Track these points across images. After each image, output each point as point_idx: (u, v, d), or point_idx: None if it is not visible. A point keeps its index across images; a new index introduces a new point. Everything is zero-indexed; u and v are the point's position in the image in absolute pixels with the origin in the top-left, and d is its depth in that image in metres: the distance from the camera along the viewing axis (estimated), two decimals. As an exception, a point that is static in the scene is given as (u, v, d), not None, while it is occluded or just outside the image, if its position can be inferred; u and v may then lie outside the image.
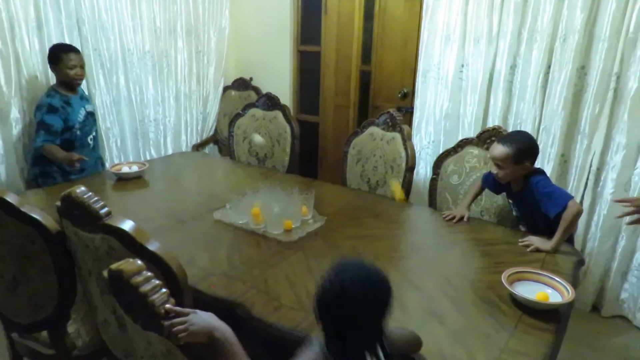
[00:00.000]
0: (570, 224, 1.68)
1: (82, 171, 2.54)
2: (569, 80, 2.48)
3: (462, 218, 1.99)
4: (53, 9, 2.67)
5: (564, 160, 2.63)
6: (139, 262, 0.85)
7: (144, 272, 0.83)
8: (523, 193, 1.89)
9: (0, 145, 2.53)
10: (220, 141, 4.03)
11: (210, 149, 4.04)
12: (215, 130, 4.00)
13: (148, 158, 3.39)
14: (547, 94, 2.59)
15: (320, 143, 3.87)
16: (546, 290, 1.39)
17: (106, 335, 1.49)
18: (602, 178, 2.52)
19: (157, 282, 0.82)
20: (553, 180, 2.62)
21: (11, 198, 1.38)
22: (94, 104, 2.91)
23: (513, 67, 2.68)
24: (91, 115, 2.66)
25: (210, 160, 3.31)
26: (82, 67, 2.54)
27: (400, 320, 1.28)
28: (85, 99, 2.67)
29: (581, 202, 2.60)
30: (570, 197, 1.74)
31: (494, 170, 1.88)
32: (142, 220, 1.89)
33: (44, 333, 1.64)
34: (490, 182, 2.04)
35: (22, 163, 2.64)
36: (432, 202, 2.39)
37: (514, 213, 2.05)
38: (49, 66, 2.52)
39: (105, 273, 0.90)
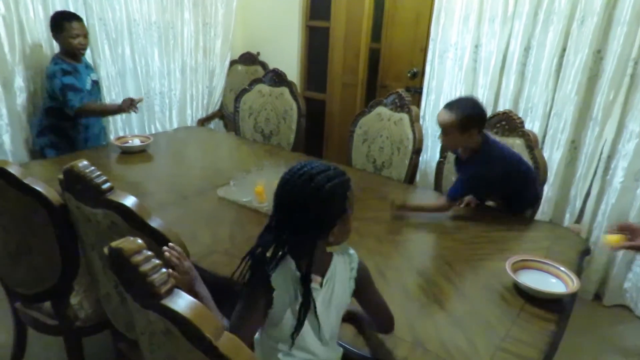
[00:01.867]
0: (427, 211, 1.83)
1: (86, 141, 2.53)
2: (584, 65, 2.41)
3: (468, 203, 1.96)
4: (57, -25, 2.61)
5: (574, 146, 2.58)
6: (139, 240, 0.83)
7: (144, 251, 0.82)
8: (467, 165, 1.86)
9: (5, 114, 2.51)
10: (226, 116, 3.99)
11: (216, 124, 4.01)
12: (221, 105, 3.96)
13: (153, 131, 3.37)
14: (561, 78, 2.53)
15: (327, 121, 3.83)
16: (550, 279, 1.38)
17: (108, 309, 1.50)
18: (612, 166, 2.48)
19: (158, 261, 0.81)
20: (562, 167, 2.60)
21: (14, 169, 1.37)
22: (99, 74, 2.87)
23: (527, 49, 2.61)
24: (96, 85, 2.64)
25: (215, 135, 3.28)
26: (86, 36, 2.50)
27: (401, 303, 1.28)
28: (90, 68, 2.64)
29: (589, 190, 2.57)
30: (450, 194, 1.82)
31: (439, 136, 1.86)
32: (145, 194, 1.89)
33: (47, 304, 1.66)
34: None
35: (27, 133, 2.62)
36: (438, 185, 2.37)
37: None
38: (51, 34, 2.47)
39: (105, 250, 0.89)
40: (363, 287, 1.07)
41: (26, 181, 1.38)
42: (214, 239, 1.57)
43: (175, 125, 3.54)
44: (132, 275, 0.81)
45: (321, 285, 1.03)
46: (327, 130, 3.84)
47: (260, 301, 1.02)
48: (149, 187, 1.98)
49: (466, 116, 1.73)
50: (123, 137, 2.51)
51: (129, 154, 2.37)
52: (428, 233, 1.73)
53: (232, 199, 1.87)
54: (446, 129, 1.77)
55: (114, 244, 0.84)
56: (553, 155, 2.62)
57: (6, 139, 2.54)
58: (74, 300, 1.67)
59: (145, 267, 0.80)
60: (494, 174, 1.77)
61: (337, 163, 2.48)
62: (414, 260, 1.51)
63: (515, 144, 2.12)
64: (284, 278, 1.01)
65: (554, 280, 1.38)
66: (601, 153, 2.49)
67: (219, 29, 3.68)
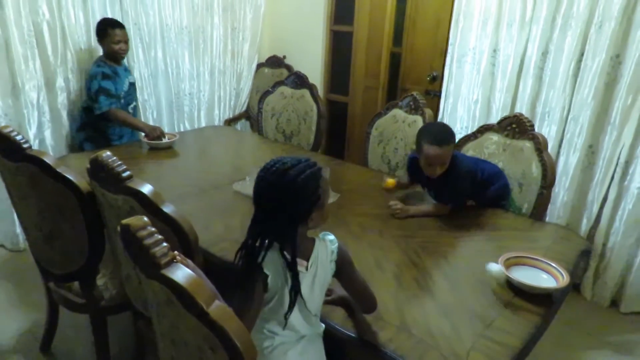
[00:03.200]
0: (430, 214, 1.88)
1: (121, 138, 2.73)
2: (602, 69, 2.41)
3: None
4: (97, -18, 2.82)
5: (592, 151, 2.57)
6: (145, 218, 0.95)
7: (149, 227, 0.93)
8: (445, 175, 1.88)
9: (47, 112, 2.73)
10: (252, 117, 4.14)
11: (242, 124, 4.17)
12: (248, 106, 4.12)
13: (182, 130, 3.55)
14: (578, 82, 2.53)
15: (348, 123, 3.92)
16: (542, 275, 1.42)
17: (129, 289, 1.64)
18: (630, 171, 2.46)
19: (160, 236, 0.93)
20: (578, 172, 2.60)
21: (49, 159, 1.53)
22: (134, 76, 3.08)
23: (545, 54, 2.63)
24: (132, 86, 2.86)
25: (238, 134, 3.43)
26: (126, 42, 2.72)
27: (393, 292, 1.36)
28: (128, 71, 2.85)
29: (606, 196, 2.55)
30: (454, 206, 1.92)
31: (432, 171, 1.86)
32: (167, 187, 2.03)
33: (76, 284, 1.82)
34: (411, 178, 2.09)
35: (66, 129, 2.84)
36: (449, 186, 2.41)
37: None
38: (96, 39, 2.69)
39: (118, 227, 1.02)
40: (343, 268, 1.17)
41: (59, 170, 1.53)
42: (226, 228, 1.69)
43: (203, 125, 3.72)
44: (138, 248, 0.93)
45: (307, 268, 1.12)
46: (349, 132, 3.93)
47: (257, 287, 1.11)
48: (172, 180, 2.12)
49: (454, 139, 1.89)
50: (151, 133, 2.69)
51: (157, 149, 2.54)
52: (429, 230, 1.79)
53: (246, 193, 1.98)
54: (444, 161, 1.84)
55: (124, 221, 0.96)
56: (570, 159, 2.61)
57: (47, 134, 2.76)
58: (100, 281, 1.83)
59: (148, 241, 0.91)
60: (470, 174, 1.91)
61: (356, 164, 2.62)
62: (411, 254, 1.58)
63: (525, 147, 2.15)
64: (273, 263, 1.11)
65: (545, 276, 1.42)
66: (619, 158, 2.47)
67: (247, 33, 3.84)
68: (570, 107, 2.59)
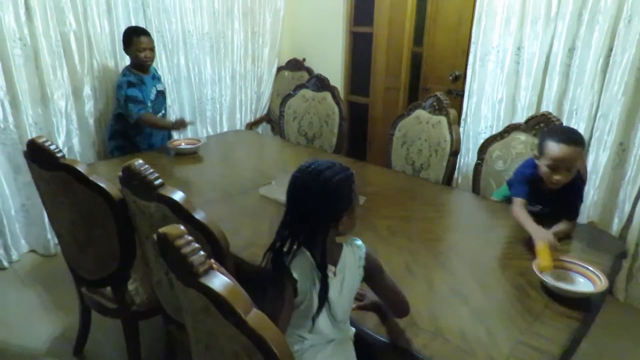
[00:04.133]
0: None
1: (150, 147, 2.77)
2: (632, 65, 2.35)
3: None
4: (121, -8, 2.87)
5: (622, 149, 2.51)
6: (182, 227, 0.96)
7: (186, 236, 0.94)
8: (563, 189, 1.68)
9: (75, 120, 2.80)
10: (273, 120, 4.16)
11: (264, 127, 4.20)
12: (269, 109, 4.14)
13: (205, 135, 3.59)
14: (607, 79, 2.47)
15: (370, 125, 3.90)
16: (579, 279, 1.39)
17: (160, 294, 1.66)
18: (660, 169, 2.39)
19: (197, 245, 0.94)
20: (609, 170, 2.53)
21: (81, 167, 1.56)
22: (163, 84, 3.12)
23: (571, 50, 2.57)
24: (161, 94, 2.88)
25: (261, 138, 3.44)
26: (152, 49, 2.74)
27: (425, 297, 1.35)
28: (156, 79, 2.88)
29: (639, 194, 2.48)
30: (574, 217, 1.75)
31: (558, 177, 1.62)
32: (195, 192, 2.06)
33: (108, 289, 1.85)
34: (528, 189, 1.75)
35: (94, 136, 2.89)
36: (476, 187, 2.38)
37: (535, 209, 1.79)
38: (122, 47, 2.73)
39: (154, 236, 1.03)
40: (372, 274, 1.16)
41: (91, 178, 1.56)
42: (254, 233, 1.70)
43: (225, 129, 3.75)
44: (175, 257, 0.94)
45: (335, 274, 1.12)
46: (370, 133, 3.92)
47: (287, 291, 1.12)
48: (199, 186, 2.14)
49: (585, 147, 1.68)
50: (177, 140, 2.72)
51: (182, 155, 2.57)
52: (458, 232, 1.77)
53: (273, 197, 1.99)
54: (572, 165, 1.62)
55: (161, 230, 0.97)
56: (599, 157, 2.55)
57: (75, 141, 2.82)
58: (131, 286, 1.86)
59: (186, 250, 0.92)
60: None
61: (379, 165, 2.61)
62: (441, 257, 1.56)
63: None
64: (302, 268, 1.11)
65: (582, 279, 1.39)
66: (649, 155, 2.40)
67: (267, 37, 3.86)
68: (599, 104, 2.53)
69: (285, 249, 1.12)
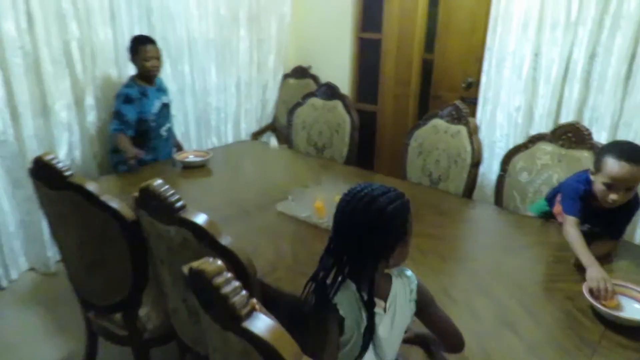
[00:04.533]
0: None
1: (155, 160, 2.64)
2: (658, 71, 2.28)
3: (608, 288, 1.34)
4: (125, -2, 2.76)
5: (647, 158, 2.43)
6: (219, 262, 0.86)
7: (225, 273, 0.83)
8: (617, 209, 1.57)
9: (76, 131, 2.67)
10: (278, 129, 4.06)
11: (268, 136, 4.09)
12: (274, 118, 4.04)
13: (210, 145, 3.48)
14: (631, 85, 2.40)
15: (378, 133, 3.81)
16: (634, 305, 1.29)
17: (176, 322, 1.55)
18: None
19: (238, 283, 0.83)
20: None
21: (92, 187, 1.45)
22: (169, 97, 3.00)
23: (592, 57, 2.50)
24: (166, 107, 2.74)
25: (269, 149, 3.34)
26: (158, 58, 2.61)
27: (471, 327, 1.24)
28: (162, 91, 2.74)
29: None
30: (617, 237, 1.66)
31: (614, 196, 1.49)
32: (208, 209, 1.91)
33: (118, 315, 1.73)
34: (581, 207, 1.62)
35: (96, 148, 2.77)
36: (499, 200, 2.29)
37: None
38: (129, 56, 2.61)
39: (185, 270, 0.92)
40: (424, 307, 1.07)
41: (102, 198, 1.45)
42: (277, 255, 1.59)
43: (230, 139, 3.64)
44: (213, 297, 0.83)
45: (385, 310, 1.01)
46: (379, 142, 3.82)
47: (331, 328, 1.00)
48: (211, 202, 2.03)
49: None
50: (184, 152, 2.61)
51: (190, 168, 2.46)
52: (493, 251, 1.67)
53: (292, 214, 1.89)
54: (634, 184, 1.51)
55: (194, 265, 0.86)
56: (623, 167, 2.47)
57: (77, 154, 2.70)
58: (142, 311, 1.74)
59: (226, 290, 0.81)
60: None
61: (389, 175, 2.51)
62: (479, 279, 1.46)
63: (583, 157, 2.02)
64: (348, 302, 1.00)
65: (638, 306, 1.29)
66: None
67: (272, 44, 3.76)
68: (622, 112, 2.45)
69: (328, 281, 1.01)
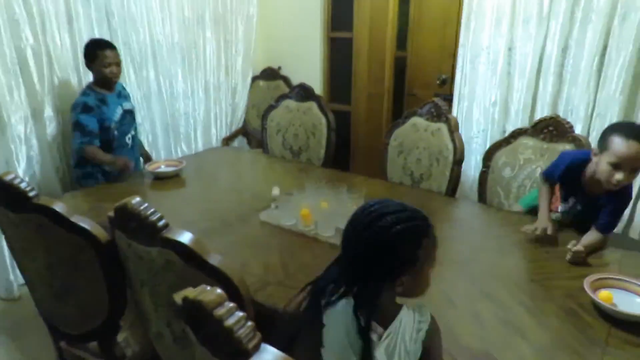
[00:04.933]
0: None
1: (122, 171, 2.48)
2: (628, 63, 2.31)
3: (545, 230, 1.62)
4: (82, 1, 2.58)
5: (621, 148, 2.47)
6: (219, 290, 0.76)
7: (227, 303, 0.74)
8: (608, 195, 1.57)
9: (35, 145, 2.49)
10: (250, 133, 3.95)
11: (240, 141, 3.97)
12: (244, 122, 3.92)
13: (179, 153, 3.34)
14: (603, 77, 2.43)
15: (353, 133, 3.75)
16: (635, 299, 1.28)
17: (160, 348, 1.43)
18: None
19: (242, 313, 0.74)
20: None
21: (59, 207, 1.32)
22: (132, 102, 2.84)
23: (565, 50, 2.52)
24: (129, 114, 2.57)
25: (244, 155, 3.23)
26: (118, 64, 2.45)
27: (478, 334, 1.19)
28: (123, 97, 2.57)
29: (638, 193, 2.45)
30: (607, 230, 1.61)
31: (620, 176, 1.45)
32: (186, 223, 1.82)
33: (94, 342, 1.60)
34: (560, 179, 1.69)
35: (57, 162, 2.59)
36: (482, 197, 2.27)
37: (568, 211, 1.75)
38: (85, 63, 2.43)
39: (177, 299, 0.82)
40: (430, 352, 0.92)
41: (73, 219, 1.32)
42: (266, 269, 1.50)
43: (200, 146, 3.51)
44: (215, 330, 0.74)
45: (380, 337, 0.92)
46: (354, 143, 3.77)
47: (310, 334, 0.95)
48: (189, 215, 1.91)
49: None
50: (155, 162, 2.46)
51: (162, 179, 2.32)
52: (487, 251, 1.63)
53: (276, 223, 1.80)
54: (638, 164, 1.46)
55: (190, 294, 0.77)
56: (598, 158, 2.50)
57: (37, 169, 2.51)
58: (120, 337, 1.61)
59: (230, 322, 0.72)
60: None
61: (366, 175, 2.45)
62: (479, 283, 1.42)
63: (565, 149, 2.02)
64: (338, 318, 0.93)
65: (639, 300, 1.27)
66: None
67: (240, 45, 3.65)
68: (595, 104, 2.48)
69: (329, 289, 0.95)
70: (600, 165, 1.51)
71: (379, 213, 0.89)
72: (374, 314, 0.91)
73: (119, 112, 2.49)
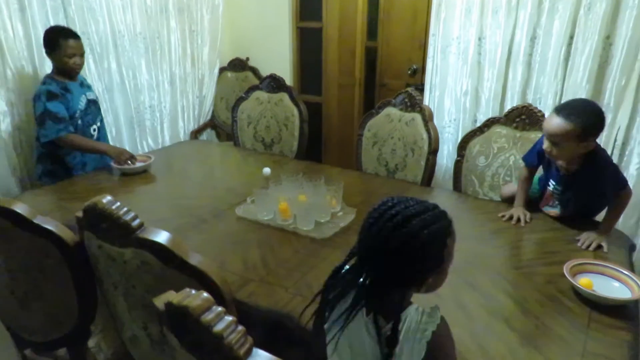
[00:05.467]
0: (624, 209, 1.58)
1: (84, 166, 2.36)
2: (594, 52, 2.36)
3: (520, 219, 1.71)
4: (36, -12, 2.43)
5: (587, 135, 2.53)
6: (205, 294, 0.71)
7: (214, 307, 0.69)
8: (579, 173, 1.59)
9: (-12, 142, 2.33)
10: (218, 125, 3.85)
11: (208, 134, 3.87)
12: (213, 114, 3.81)
13: (146, 148, 3.21)
14: (570, 66, 2.47)
15: (324, 124, 3.71)
16: (613, 283, 1.30)
17: (136, 351, 1.36)
18: (627, 152, 2.43)
19: (231, 318, 0.69)
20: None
21: (21, 209, 1.23)
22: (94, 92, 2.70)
23: (533, 39, 2.55)
24: (93, 104, 2.44)
25: (215, 148, 3.14)
26: (82, 55, 2.31)
27: (464, 324, 1.19)
28: (86, 86, 2.44)
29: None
30: (626, 180, 1.60)
31: (547, 147, 1.54)
32: (159, 221, 1.74)
33: (62, 349, 1.51)
34: (536, 160, 1.74)
35: (15, 160, 2.43)
36: (457, 186, 2.29)
37: (554, 196, 1.77)
38: (45, 52, 2.28)
39: (159, 305, 0.77)
40: (436, 357, 0.85)
41: (36, 221, 1.23)
42: (246, 266, 1.45)
43: (167, 139, 3.39)
44: (203, 337, 0.69)
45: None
46: (325, 133, 3.73)
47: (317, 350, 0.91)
48: (161, 212, 1.83)
49: (588, 125, 1.45)
50: (121, 158, 2.34)
51: (130, 175, 2.22)
52: (467, 240, 1.63)
53: (253, 218, 1.74)
54: (560, 140, 1.50)
55: (174, 300, 0.72)
56: (566, 145, 2.56)
57: (-9, 168, 2.35)
58: (91, 342, 1.53)
59: (219, 328, 0.68)
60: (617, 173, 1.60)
61: (338, 166, 2.42)
62: (461, 271, 1.41)
63: (538, 138, 2.05)
64: (357, 332, 0.88)
65: (616, 284, 1.30)
66: (615, 140, 2.44)
67: (206, 35, 3.53)
68: (563, 92, 2.53)
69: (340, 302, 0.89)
70: (544, 144, 1.58)
71: (403, 216, 0.82)
72: (399, 325, 0.84)
73: (83, 101, 2.36)
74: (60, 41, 2.21)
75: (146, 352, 1.32)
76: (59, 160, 2.31)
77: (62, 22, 2.57)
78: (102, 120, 2.53)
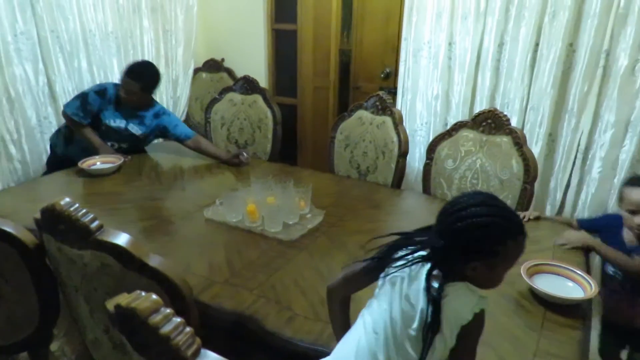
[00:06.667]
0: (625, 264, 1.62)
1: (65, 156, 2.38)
2: (558, 59, 2.43)
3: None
4: (0, -16, 2.38)
5: (552, 139, 2.61)
6: (154, 296, 0.72)
7: (162, 309, 0.70)
8: None
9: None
10: (193, 127, 3.82)
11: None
12: (187, 115, 3.79)
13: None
14: (535, 72, 2.55)
15: (299, 126, 3.72)
16: (567, 283, 1.35)
17: (98, 356, 1.35)
18: (589, 157, 2.51)
19: (179, 319, 0.70)
20: (541, 160, 2.61)
21: (-23, 211, 1.20)
22: (54, 91, 2.66)
23: (501, 45, 2.61)
24: (129, 136, 2.48)
25: (186, 149, 3.10)
26: (136, 93, 2.37)
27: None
28: (139, 118, 2.49)
29: (569, 182, 2.60)
30: None
31: (638, 219, 1.58)
32: (124, 223, 1.73)
33: (24, 353, 1.49)
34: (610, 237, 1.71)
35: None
36: (427, 188, 2.33)
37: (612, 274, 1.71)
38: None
39: (110, 307, 0.77)
40: (466, 336, 0.94)
41: (-7, 223, 1.21)
42: (211, 268, 1.45)
43: (141, 141, 3.35)
44: (150, 339, 0.70)
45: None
46: (300, 136, 3.74)
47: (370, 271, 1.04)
48: (128, 214, 1.82)
49: None
50: (90, 159, 2.30)
51: (99, 177, 2.19)
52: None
53: (221, 220, 1.74)
54: None
55: (123, 302, 0.72)
56: (532, 149, 2.61)
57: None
58: (54, 346, 1.52)
59: (166, 329, 0.68)
60: None
61: (312, 168, 2.45)
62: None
63: (503, 142, 2.11)
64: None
65: (570, 284, 1.35)
66: (578, 144, 2.51)
67: (180, 35, 3.51)
68: (529, 97, 2.60)
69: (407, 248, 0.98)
70: (622, 214, 1.67)
71: (492, 196, 0.95)
72: (449, 277, 0.92)
73: (118, 123, 2.42)
74: (123, 78, 2.36)
75: (107, 355, 1.30)
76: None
77: (30, 20, 2.52)
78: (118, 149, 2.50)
